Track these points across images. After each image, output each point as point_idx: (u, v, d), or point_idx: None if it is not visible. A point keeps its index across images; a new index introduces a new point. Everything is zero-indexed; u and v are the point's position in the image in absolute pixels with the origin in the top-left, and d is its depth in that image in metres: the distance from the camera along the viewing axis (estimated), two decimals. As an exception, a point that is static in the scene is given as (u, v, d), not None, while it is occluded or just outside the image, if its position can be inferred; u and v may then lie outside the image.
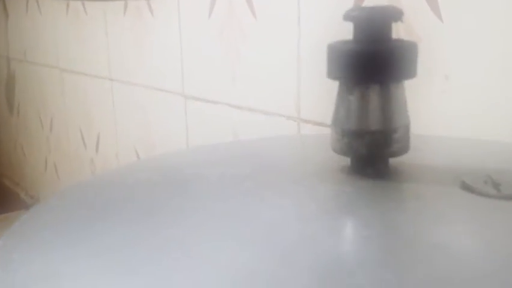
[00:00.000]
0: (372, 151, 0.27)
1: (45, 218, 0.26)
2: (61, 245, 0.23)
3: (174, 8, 0.89)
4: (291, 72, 0.68)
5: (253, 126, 0.77)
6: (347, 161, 0.29)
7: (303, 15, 0.66)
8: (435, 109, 0.52)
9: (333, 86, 0.28)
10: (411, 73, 0.26)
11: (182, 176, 0.31)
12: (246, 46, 0.76)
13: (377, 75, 0.26)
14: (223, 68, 0.80)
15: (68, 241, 0.23)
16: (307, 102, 0.67)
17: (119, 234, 0.24)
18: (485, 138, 0.42)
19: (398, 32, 0.53)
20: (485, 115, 0.48)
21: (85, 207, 0.27)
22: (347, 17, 0.27)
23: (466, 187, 0.26)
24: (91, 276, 0.20)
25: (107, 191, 0.29)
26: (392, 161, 0.28)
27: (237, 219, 0.24)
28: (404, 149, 0.28)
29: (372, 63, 0.26)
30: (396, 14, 0.27)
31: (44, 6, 1.37)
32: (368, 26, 0.26)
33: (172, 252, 0.22)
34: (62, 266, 0.21)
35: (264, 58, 0.73)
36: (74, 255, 0.22)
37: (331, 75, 0.27)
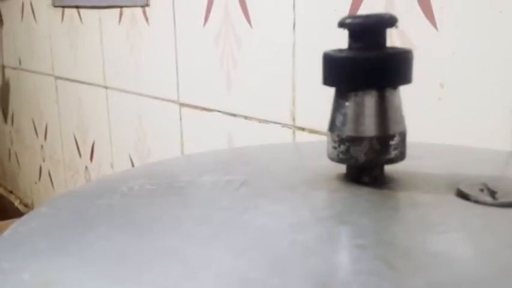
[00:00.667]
0: (369, 157, 0.27)
1: (36, 226, 0.26)
2: (52, 253, 0.23)
3: (169, 15, 0.89)
4: (286, 79, 0.68)
5: (248, 133, 0.76)
6: (342, 168, 0.28)
7: (298, 23, 0.66)
8: (431, 117, 0.52)
9: (329, 93, 0.28)
10: (406, 79, 0.26)
11: (176, 183, 0.30)
12: (241, 54, 0.76)
13: (372, 80, 0.26)
14: (218, 75, 0.80)
15: (59, 249, 0.23)
16: (303, 110, 0.67)
17: (111, 242, 0.23)
18: (481, 146, 0.42)
19: (393, 40, 0.54)
20: (480, 123, 0.48)
21: (77, 215, 0.27)
22: (342, 24, 0.27)
23: (462, 195, 0.26)
24: (83, 285, 0.20)
25: (99, 198, 0.28)
26: (387, 168, 0.28)
27: (230, 227, 0.24)
28: (401, 156, 0.28)
29: (368, 69, 0.26)
30: (390, 20, 0.27)
31: (39, 13, 1.37)
32: (362, 32, 0.26)
33: (165, 260, 0.21)
34: (53, 275, 0.21)
35: (259, 66, 0.73)
36: (66, 264, 0.22)
37: (327, 82, 0.27)
